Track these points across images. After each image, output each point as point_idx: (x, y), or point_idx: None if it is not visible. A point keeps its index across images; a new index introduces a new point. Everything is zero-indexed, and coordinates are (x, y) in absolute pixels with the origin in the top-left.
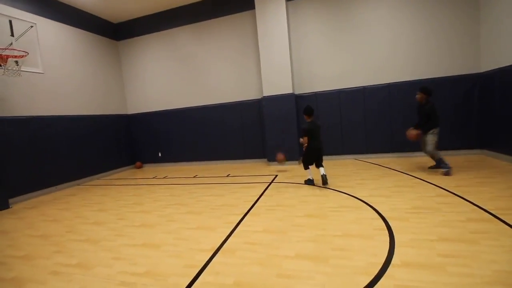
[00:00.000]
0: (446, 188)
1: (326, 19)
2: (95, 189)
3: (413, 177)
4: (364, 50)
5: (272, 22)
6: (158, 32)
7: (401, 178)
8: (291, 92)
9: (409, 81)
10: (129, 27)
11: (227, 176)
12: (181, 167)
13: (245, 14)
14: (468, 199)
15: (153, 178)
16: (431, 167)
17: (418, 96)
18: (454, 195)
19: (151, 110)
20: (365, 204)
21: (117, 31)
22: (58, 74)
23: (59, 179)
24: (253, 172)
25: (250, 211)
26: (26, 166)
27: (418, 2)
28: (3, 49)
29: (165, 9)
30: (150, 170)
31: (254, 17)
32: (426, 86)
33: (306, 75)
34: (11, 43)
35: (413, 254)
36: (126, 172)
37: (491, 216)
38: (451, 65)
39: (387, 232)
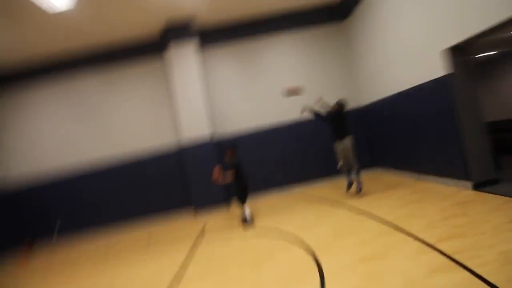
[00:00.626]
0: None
1: (237, 65)
2: None
3: None
4: (273, 91)
5: (185, 69)
6: (52, 81)
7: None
8: (208, 134)
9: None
10: (12, 77)
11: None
12: (91, 239)
13: (154, 63)
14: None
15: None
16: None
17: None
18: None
19: (43, 177)
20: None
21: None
22: None
23: None
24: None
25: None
26: None
27: (304, 51)
28: None
29: (65, 56)
30: (44, 255)
31: (163, 65)
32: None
33: (223, 117)
34: None
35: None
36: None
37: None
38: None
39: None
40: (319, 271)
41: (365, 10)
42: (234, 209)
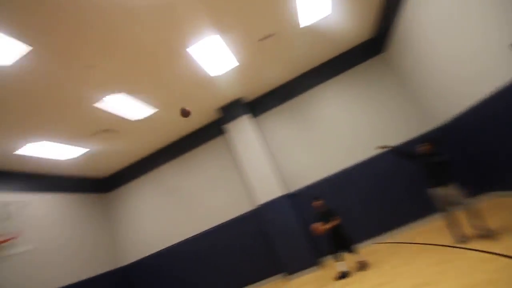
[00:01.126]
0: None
1: (290, 122)
2: None
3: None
4: (330, 138)
5: (244, 140)
6: (145, 175)
7: (435, 253)
8: (281, 194)
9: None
10: (116, 178)
11: None
12: None
13: (218, 140)
14: None
15: None
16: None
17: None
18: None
19: (151, 253)
20: None
21: (105, 184)
22: (51, 244)
23: None
24: None
25: None
26: None
27: (360, 92)
28: None
29: (147, 153)
30: None
31: (225, 141)
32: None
33: (292, 173)
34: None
35: None
36: None
37: None
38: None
39: None
40: None
41: (399, 34)
42: (329, 267)
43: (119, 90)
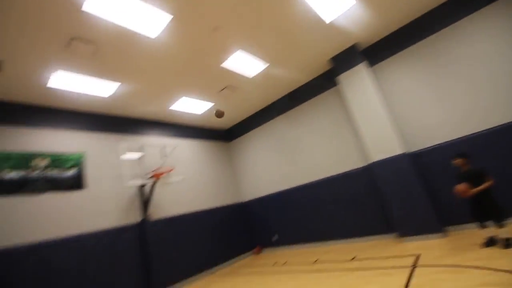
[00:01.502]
0: None
1: (420, 69)
2: (226, 278)
3: None
4: (470, 87)
5: (359, 91)
6: (260, 127)
7: None
8: (402, 152)
9: None
10: (236, 129)
11: (353, 259)
12: (298, 250)
13: (330, 92)
14: None
15: (273, 265)
16: None
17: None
18: None
19: (261, 195)
20: None
21: (228, 134)
22: (192, 179)
23: (197, 268)
24: (383, 253)
25: None
26: (173, 258)
27: None
28: (158, 168)
29: (262, 107)
30: (269, 255)
31: (338, 92)
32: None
33: (417, 130)
34: (163, 163)
35: None
36: (247, 259)
37: None
38: None
39: None
40: None
41: None
42: (456, 238)
43: (238, 48)
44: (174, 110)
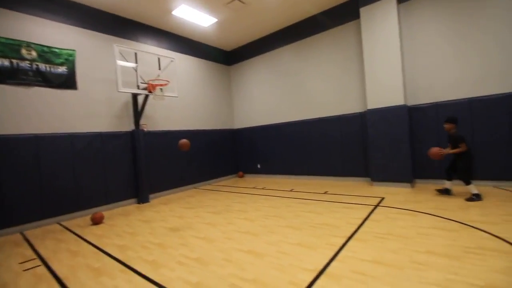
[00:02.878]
0: None
1: (448, 17)
2: (208, 193)
3: None
4: (503, 48)
5: (379, 30)
6: (263, 54)
7: None
8: (403, 103)
9: None
10: (239, 53)
11: (325, 193)
12: (277, 179)
13: (346, 26)
14: None
15: (253, 187)
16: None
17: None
18: None
19: (253, 125)
20: None
21: (229, 57)
22: (186, 97)
23: (183, 182)
24: (354, 192)
25: (354, 236)
26: (161, 169)
27: None
28: (153, 80)
29: (269, 32)
30: (250, 180)
31: (356, 28)
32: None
33: (423, 83)
34: (158, 75)
35: None
36: (230, 180)
37: None
38: None
39: None
40: None
41: None
42: (421, 189)
43: None
44: (176, 17)
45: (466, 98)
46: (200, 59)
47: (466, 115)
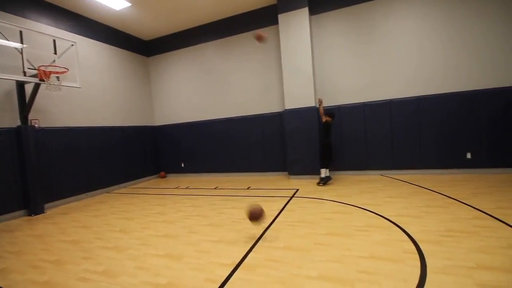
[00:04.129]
0: (484, 210)
1: (349, 31)
2: (122, 197)
3: (446, 197)
4: (389, 62)
5: (295, 36)
6: (185, 48)
7: (432, 197)
8: (313, 105)
9: (440, 94)
10: (159, 44)
11: (248, 188)
12: (202, 178)
13: (269, 29)
14: (510, 223)
15: (175, 188)
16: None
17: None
18: (493, 218)
19: (176, 122)
20: (393, 225)
21: (147, 48)
22: (93, 89)
23: (90, 186)
24: (273, 186)
25: (271, 226)
26: (61, 173)
27: (447, 12)
28: (47, 66)
29: (192, 26)
30: (173, 180)
31: (277, 31)
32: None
33: (329, 88)
34: (54, 60)
35: (447, 282)
36: (150, 182)
37: None
38: (483, 78)
39: (418, 256)
40: (420, 259)
41: None
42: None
43: None
44: None
45: (360, 103)
46: (111, 47)
47: (360, 116)
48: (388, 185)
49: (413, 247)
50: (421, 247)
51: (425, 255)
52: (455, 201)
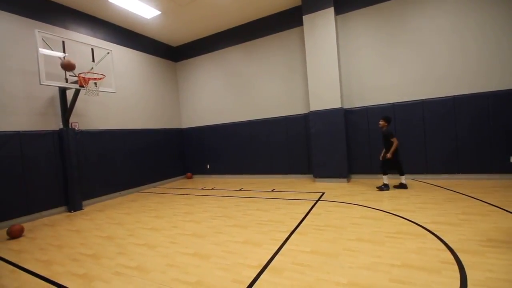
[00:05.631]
0: None
1: (376, 30)
2: (152, 197)
3: (486, 203)
4: (420, 62)
5: (320, 37)
6: (211, 53)
7: (470, 203)
8: (340, 106)
9: (476, 93)
10: (186, 49)
11: (272, 191)
12: (227, 179)
13: (293, 31)
14: None
15: (202, 189)
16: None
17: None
18: None
19: (202, 125)
20: (428, 232)
21: (175, 53)
22: (125, 93)
23: (123, 185)
24: (298, 188)
25: (297, 230)
26: (97, 173)
27: (481, 10)
28: (86, 73)
29: (217, 31)
30: (199, 181)
31: (302, 33)
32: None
33: (356, 89)
34: (92, 68)
35: None
36: (178, 182)
37: None
38: None
39: (456, 267)
40: (459, 270)
41: None
42: (355, 184)
43: None
44: (113, 4)
45: (390, 103)
46: (142, 53)
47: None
48: (421, 190)
49: (451, 256)
50: (460, 257)
51: (464, 266)
52: (497, 208)
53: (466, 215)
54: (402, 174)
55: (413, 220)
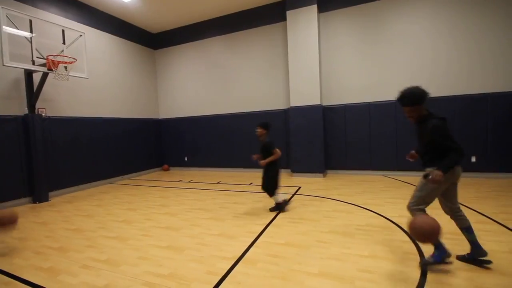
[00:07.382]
0: (487, 214)
1: (357, 30)
2: (125, 189)
3: None
4: (396, 63)
5: (302, 34)
6: (192, 42)
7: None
8: (319, 103)
9: (447, 96)
10: (166, 37)
11: (250, 184)
12: (205, 172)
13: (276, 26)
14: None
15: (178, 181)
16: None
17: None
18: (495, 222)
19: (181, 116)
20: (395, 225)
21: (154, 41)
22: (99, 80)
23: (94, 176)
24: None
25: (272, 222)
26: (65, 162)
27: (457, 14)
28: (55, 55)
29: (200, 20)
30: (176, 173)
31: (285, 28)
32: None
33: (335, 87)
34: (62, 50)
35: (448, 283)
36: (153, 174)
37: None
38: (492, 82)
39: (418, 257)
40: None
41: None
42: (330, 179)
43: None
44: None
45: (366, 102)
46: (118, 38)
47: (366, 116)
48: (391, 186)
49: (414, 247)
50: (422, 248)
51: (425, 256)
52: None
53: (430, 209)
54: (271, 196)
55: (381, 214)
